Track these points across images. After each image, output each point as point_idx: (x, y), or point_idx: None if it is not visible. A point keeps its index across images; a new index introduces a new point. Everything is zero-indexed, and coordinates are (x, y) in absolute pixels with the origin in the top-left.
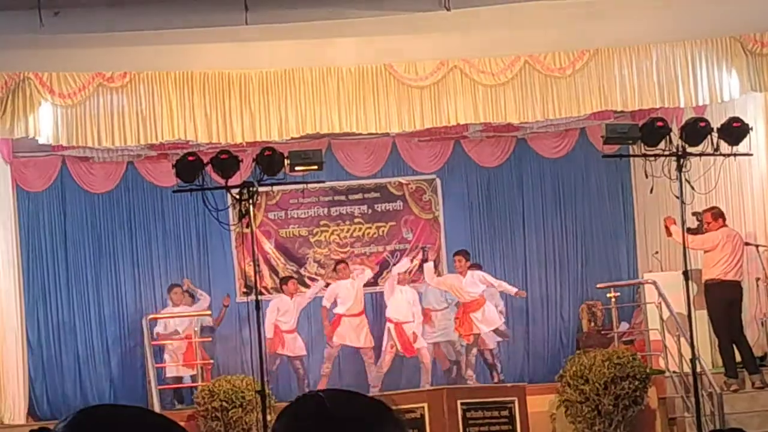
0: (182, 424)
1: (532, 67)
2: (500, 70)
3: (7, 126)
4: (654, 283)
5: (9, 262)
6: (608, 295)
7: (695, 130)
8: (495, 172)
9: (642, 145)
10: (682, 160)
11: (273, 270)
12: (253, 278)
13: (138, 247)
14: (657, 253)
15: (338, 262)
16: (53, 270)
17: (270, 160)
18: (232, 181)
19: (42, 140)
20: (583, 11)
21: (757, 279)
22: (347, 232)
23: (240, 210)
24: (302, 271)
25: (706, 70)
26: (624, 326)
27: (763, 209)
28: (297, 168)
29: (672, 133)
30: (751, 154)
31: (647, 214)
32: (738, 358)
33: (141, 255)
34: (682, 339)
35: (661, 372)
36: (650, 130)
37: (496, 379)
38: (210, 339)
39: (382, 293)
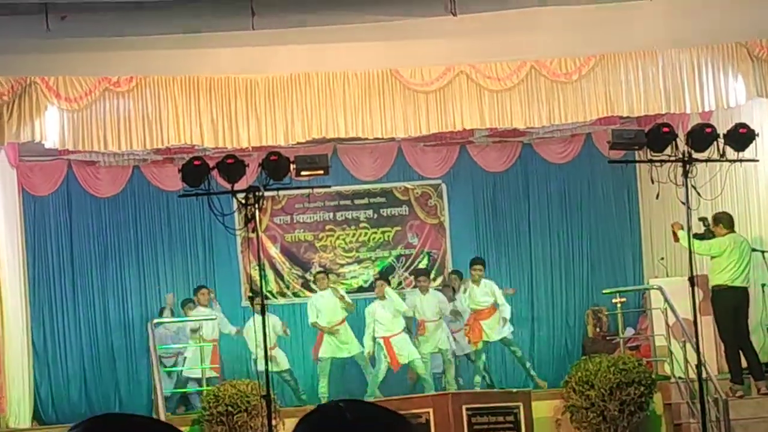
0: (186, 428)
1: (538, 72)
2: (506, 76)
3: (14, 130)
4: (660, 288)
5: (15, 266)
6: (614, 300)
7: (701, 136)
8: (501, 177)
9: (648, 150)
10: (688, 166)
11: (278, 275)
12: (258, 283)
13: (144, 251)
14: (663, 258)
15: (318, 271)
16: (59, 274)
17: (276, 165)
18: (238, 186)
19: (48, 144)
20: (589, 17)
21: (763, 285)
22: (353, 236)
23: (246, 215)
24: (307, 275)
25: (712, 75)
26: (630, 332)
27: None
28: (303, 173)
29: (678, 139)
30: (758, 160)
31: (653, 220)
32: (744, 364)
33: (147, 260)
34: (688, 345)
35: (667, 378)
36: (656, 136)
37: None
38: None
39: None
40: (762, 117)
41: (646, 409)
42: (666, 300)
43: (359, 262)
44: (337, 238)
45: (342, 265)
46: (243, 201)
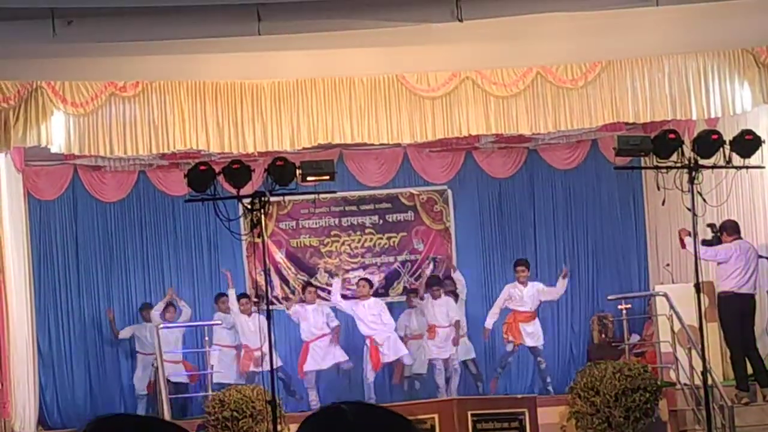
0: None
1: (544, 78)
2: (512, 82)
3: (20, 135)
4: (665, 295)
5: (20, 270)
6: (619, 306)
7: (707, 143)
8: (506, 183)
9: (654, 157)
10: (694, 173)
11: (284, 280)
12: (264, 288)
13: (149, 256)
14: (668, 265)
15: (307, 284)
16: (64, 279)
17: (282, 170)
18: (243, 191)
19: (54, 149)
20: (595, 23)
21: None
22: (358, 242)
23: (251, 220)
24: (313, 281)
25: (718, 82)
26: (635, 338)
27: None
28: (309, 178)
29: (684, 146)
30: (764, 167)
31: (659, 226)
32: (750, 370)
33: (152, 265)
34: (694, 351)
35: (672, 384)
36: (662, 142)
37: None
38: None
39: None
40: None
41: (651, 415)
42: (671, 306)
43: (364, 267)
44: (343, 243)
45: (347, 271)
46: (249, 206)
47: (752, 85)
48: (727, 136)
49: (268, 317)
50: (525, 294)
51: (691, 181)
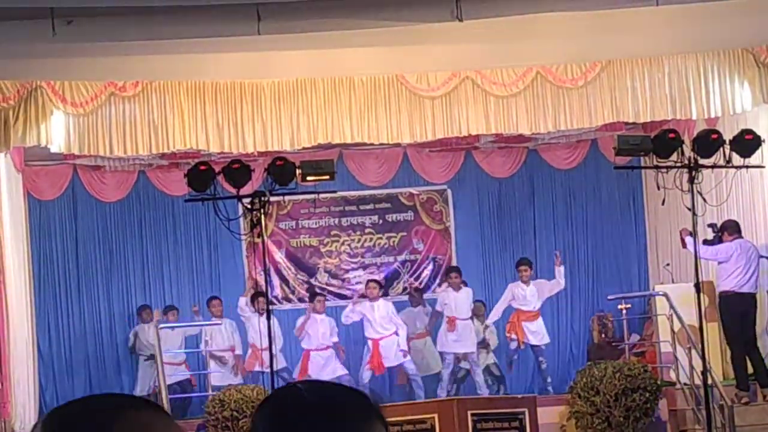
0: None
1: (544, 78)
2: (512, 81)
3: (20, 134)
4: (665, 295)
5: (20, 270)
6: (619, 306)
7: (707, 142)
8: (506, 183)
9: (654, 156)
10: (694, 172)
11: (284, 280)
12: (263, 288)
13: (149, 256)
14: (668, 264)
15: (315, 294)
16: (64, 278)
17: (282, 170)
18: (243, 191)
19: (54, 149)
20: (595, 23)
21: None
22: (358, 242)
23: (251, 220)
24: (313, 281)
25: (718, 82)
26: (635, 338)
27: None
28: (308, 178)
29: (684, 145)
30: (764, 167)
31: (659, 226)
32: (750, 370)
33: (152, 264)
34: (693, 351)
35: (672, 384)
36: (662, 142)
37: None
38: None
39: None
40: None
41: (651, 415)
42: (671, 306)
43: (364, 267)
44: (343, 243)
45: (347, 271)
46: (248, 206)
47: (752, 84)
48: (727, 136)
49: (269, 317)
50: (528, 293)
51: (691, 180)
